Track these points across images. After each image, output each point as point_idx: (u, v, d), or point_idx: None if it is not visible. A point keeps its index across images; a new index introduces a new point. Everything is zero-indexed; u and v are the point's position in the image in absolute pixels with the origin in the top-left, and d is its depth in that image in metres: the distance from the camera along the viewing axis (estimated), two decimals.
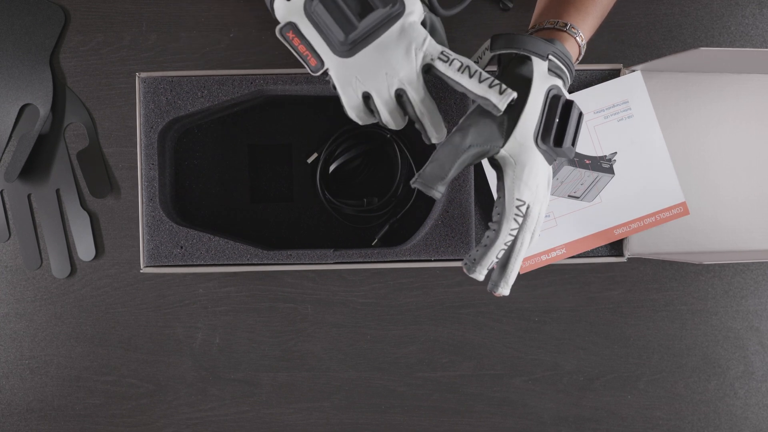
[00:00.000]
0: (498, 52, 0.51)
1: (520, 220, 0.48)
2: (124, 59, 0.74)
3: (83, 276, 0.74)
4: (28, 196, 0.74)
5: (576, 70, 0.68)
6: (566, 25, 0.52)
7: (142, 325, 0.74)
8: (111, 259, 0.74)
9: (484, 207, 0.68)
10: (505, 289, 0.50)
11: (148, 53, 0.74)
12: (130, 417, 0.74)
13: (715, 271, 0.75)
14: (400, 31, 0.47)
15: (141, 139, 0.65)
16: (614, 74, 0.67)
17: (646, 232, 0.69)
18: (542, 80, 0.49)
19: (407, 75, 0.47)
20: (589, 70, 0.68)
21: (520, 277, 0.74)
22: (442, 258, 0.66)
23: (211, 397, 0.74)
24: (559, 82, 0.50)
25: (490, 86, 0.46)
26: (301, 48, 0.47)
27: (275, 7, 0.48)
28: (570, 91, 0.68)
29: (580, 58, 0.55)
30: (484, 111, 0.49)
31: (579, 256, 0.68)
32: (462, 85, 0.47)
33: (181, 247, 0.65)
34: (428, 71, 0.49)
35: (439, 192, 0.48)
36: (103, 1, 0.74)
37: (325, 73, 0.48)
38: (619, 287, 0.74)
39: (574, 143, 0.49)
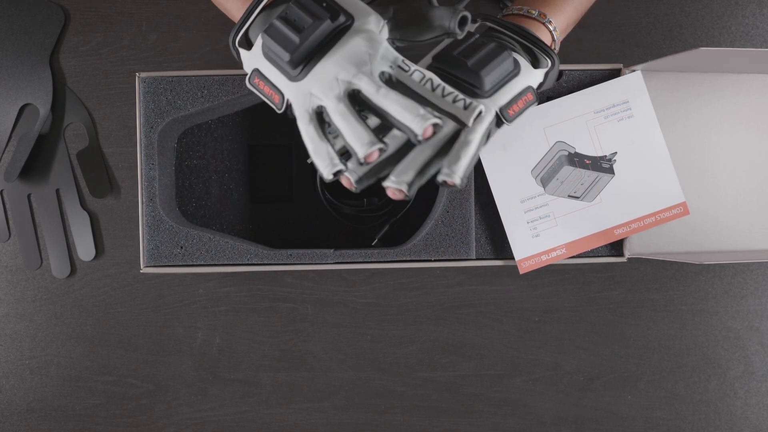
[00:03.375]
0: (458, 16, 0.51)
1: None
2: (124, 59, 0.74)
3: (83, 276, 0.74)
4: (28, 196, 0.74)
5: (576, 70, 0.68)
6: (523, 9, 0.53)
7: (142, 325, 0.74)
8: (111, 259, 0.74)
9: (484, 207, 0.68)
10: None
11: (148, 53, 0.74)
12: (130, 417, 0.74)
13: (715, 271, 0.75)
14: (351, 43, 0.45)
15: (141, 139, 0.65)
16: (614, 74, 0.67)
17: (647, 232, 0.69)
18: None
19: (364, 78, 0.45)
20: (589, 70, 0.68)
21: (520, 276, 0.74)
22: (442, 258, 0.66)
23: (211, 397, 0.74)
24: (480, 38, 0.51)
25: (455, 101, 0.45)
26: (266, 89, 0.47)
27: (242, 60, 0.48)
28: (569, 92, 0.67)
29: (553, 46, 0.55)
30: None
31: (579, 256, 0.68)
32: (425, 99, 0.45)
33: (181, 247, 0.65)
34: (387, 81, 0.46)
35: (412, 192, 0.51)
36: (102, 1, 0.74)
37: (289, 106, 0.47)
38: (619, 287, 0.74)
39: (464, 57, 0.50)
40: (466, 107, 0.45)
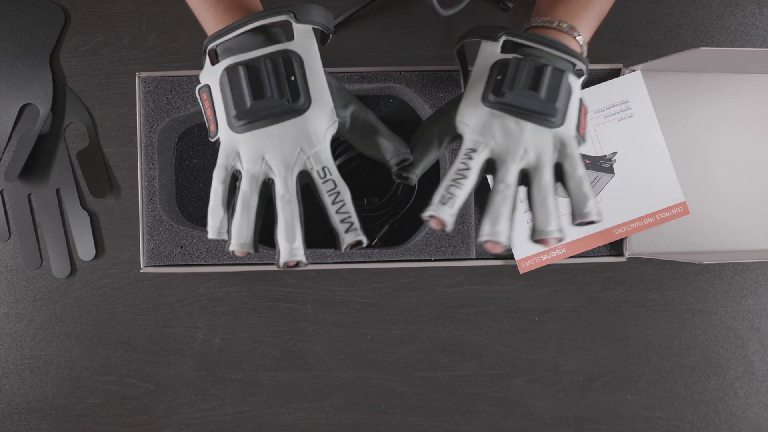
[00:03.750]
0: (457, 46, 0.54)
1: (466, 164, 0.47)
2: (124, 59, 0.74)
3: (83, 276, 0.74)
4: (28, 196, 0.74)
5: None
6: (554, 22, 0.51)
7: (142, 324, 0.74)
8: (111, 259, 0.74)
9: (484, 207, 0.68)
10: (446, 215, 0.47)
11: (149, 53, 0.74)
12: (131, 417, 0.74)
13: (715, 271, 0.75)
14: (294, 127, 0.45)
15: (141, 139, 0.65)
16: (614, 74, 0.67)
17: (646, 231, 0.69)
18: (487, 57, 0.49)
19: (282, 168, 0.46)
20: (589, 70, 0.68)
21: (520, 276, 0.74)
22: (442, 258, 0.66)
23: (212, 397, 0.74)
24: (523, 58, 0.49)
25: (342, 221, 0.46)
26: (209, 112, 0.47)
27: (204, 65, 0.48)
28: None
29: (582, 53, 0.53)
30: (447, 107, 0.50)
31: (579, 255, 0.68)
32: (324, 207, 0.47)
33: (182, 247, 0.65)
34: (303, 179, 0.47)
35: (414, 175, 0.50)
36: (103, 1, 0.74)
37: (219, 141, 0.47)
38: (619, 287, 0.74)
39: (529, 88, 0.46)
40: (347, 231, 0.46)
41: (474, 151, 0.47)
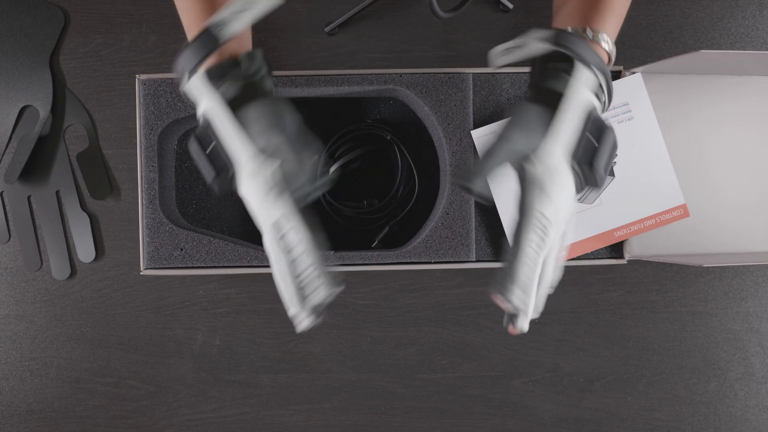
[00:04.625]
0: (539, 48, 0.45)
1: (541, 235, 0.43)
2: (124, 61, 0.74)
3: (83, 278, 0.74)
4: (28, 198, 0.74)
5: None
6: (594, 32, 0.45)
7: (142, 326, 0.74)
8: (111, 261, 0.74)
9: (484, 209, 0.68)
10: (524, 322, 0.44)
11: (148, 54, 0.74)
12: (131, 418, 0.74)
13: (715, 273, 0.75)
14: (246, 192, 0.43)
15: (141, 141, 0.65)
16: (615, 76, 0.67)
17: (647, 234, 0.69)
18: (581, 90, 0.43)
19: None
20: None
21: None
22: (442, 260, 0.66)
23: (212, 399, 0.74)
24: (595, 101, 0.44)
25: (298, 278, 0.43)
26: None
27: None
28: None
29: (611, 61, 0.49)
30: (526, 113, 0.44)
31: (579, 257, 0.68)
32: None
33: (182, 249, 0.65)
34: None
35: (475, 187, 0.45)
36: (103, 3, 0.74)
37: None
38: (619, 289, 0.74)
39: (606, 171, 0.44)
40: (304, 297, 0.43)
41: (546, 219, 0.43)
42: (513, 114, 0.45)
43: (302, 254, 0.42)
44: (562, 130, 0.43)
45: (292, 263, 0.42)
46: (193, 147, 0.43)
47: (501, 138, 0.44)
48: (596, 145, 0.43)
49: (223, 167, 0.42)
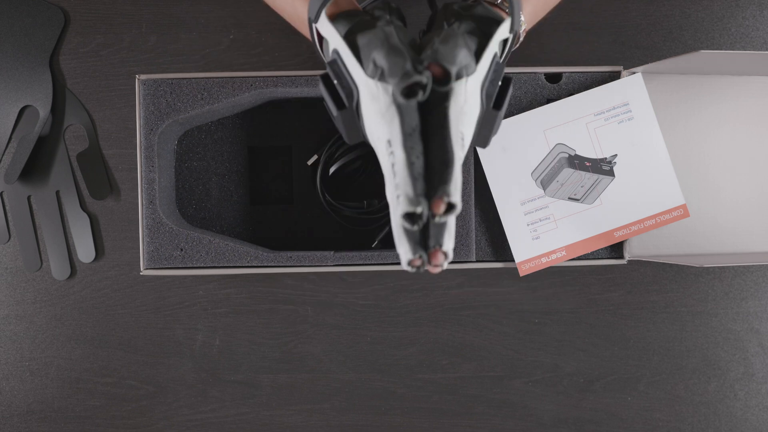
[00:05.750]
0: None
1: (462, 149, 0.45)
2: (124, 61, 0.74)
3: (83, 278, 0.74)
4: (28, 198, 0.74)
5: (576, 73, 0.68)
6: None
7: (142, 326, 0.74)
8: (111, 261, 0.74)
9: (484, 209, 0.68)
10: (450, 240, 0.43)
11: (148, 55, 0.74)
12: (131, 419, 0.74)
13: (715, 273, 0.75)
14: (367, 108, 0.45)
15: (141, 141, 0.65)
16: (614, 76, 0.67)
17: (647, 234, 0.69)
18: (502, 34, 0.47)
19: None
20: (590, 72, 0.67)
21: (520, 278, 0.74)
22: None
23: (211, 399, 0.74)
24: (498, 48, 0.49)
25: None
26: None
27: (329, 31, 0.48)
28: (569, 94, 0.67)
29: (517, 43, 0.54)
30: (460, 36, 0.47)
31: (579, 258, 0.68)
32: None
33: (181, 250, 0.65)
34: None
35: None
36: (102, 3, 0.74)
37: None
38: (619, 289, 0.74)
39: (502, 108, 0.47)
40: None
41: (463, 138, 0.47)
42: (456, 32, 0.47)
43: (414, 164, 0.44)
44: (485, 64, 0.47)
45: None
46: (326, 78, 0.47)
47: (455, 41, 0.46)
48: (498, 83, 0.47)
49: (350, 92, 0.46)
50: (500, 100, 0.48)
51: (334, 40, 0.47)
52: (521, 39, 0.57)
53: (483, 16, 0.49)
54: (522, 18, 0.54)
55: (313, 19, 0.48)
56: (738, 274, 0.75)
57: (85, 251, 0.74)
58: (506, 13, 0.52)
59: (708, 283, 0.75)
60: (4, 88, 0.73)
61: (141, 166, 0.65)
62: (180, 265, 0.65)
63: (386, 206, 0.71)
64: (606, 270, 0.74)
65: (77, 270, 0.74)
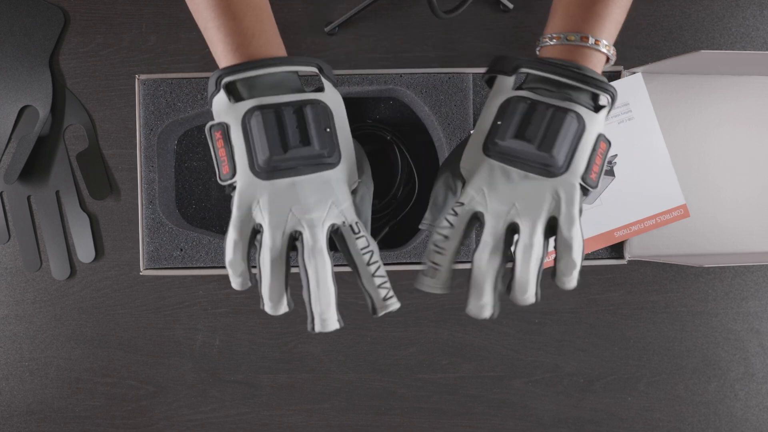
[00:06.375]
0: (485, 77, 0.48)
1: (451, 219, 0.44)
2: (124, 61, 0.74)
3: (83, 278, 0.74)
4: (28, 198, 0.74)
5: None
6: (575, 37, 0.45)
7: (142, 326, 0.74)
8: (111, 261, 0.74)
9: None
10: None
11: (148, 55, 0.74)
12: (131, 419, 0.74)
13: (715, 273, 0.75)
14: (325, 180, 0.43)
15: (141, 141, 0.65)
16: (615, 76, 0.67)
17: (647, 234, 0.69)
18: (498, 94, 0.45)
19: (314, 220, 0.42)
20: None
21: None
22: None
23: (211, 399, 0.74)
24: (529, 94, 0.44)
25: (380, 286, 0.43)
26: (222, 152, 0.43)
27: (214, 101, 0.43)
28: None
29: (611, 62, 0.47)
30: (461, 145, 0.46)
31: None
32: (356, 267, 0.44)
33: (181, 250, 0.65)
34: (334, 232, 0.44)
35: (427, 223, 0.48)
36: (102, 3, 0.74)
37: (232, 186, 0.43)
38: (619, 289, 0.74)
39: (517, 137, 0.43)
40: (385, 299, 0.43)
41: (461, 205, 0.44)
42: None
43: (377, 251, 0.45)
44: (476, 132, 0.45)
45: (372, 254, 0.45)
46: (314, 112, 0.43)
47: (440, 171, 0.46)
48: (498, 122, 0.45)
49: (333, 150, 0.43)
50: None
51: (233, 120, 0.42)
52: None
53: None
54: (611, 51, 0.47)
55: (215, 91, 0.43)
56: (738, 274, 0.75)
57: (84, 251, 0.74)
58: (584, 48, 0.45)
59: (708, 283, 0.75)
60: (4, 88, 0.73)
61: (141, 166, 0.65)
62: (180, 265, 0.65)
63: (386, 206, 0.71)
64: (606, 270, 0.74)
65: (77, 270, 0.74)
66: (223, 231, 0.72)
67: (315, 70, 0.45)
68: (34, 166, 0.73)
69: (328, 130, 0.43)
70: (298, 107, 0.42)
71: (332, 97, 0.45)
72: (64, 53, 0.74)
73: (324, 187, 0.43)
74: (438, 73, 0.66)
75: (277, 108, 0.42)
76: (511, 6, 0.74)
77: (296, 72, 0.45)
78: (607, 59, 0.47)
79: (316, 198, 0.43)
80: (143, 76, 0.65)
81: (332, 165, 0.43)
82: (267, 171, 0.42)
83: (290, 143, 0.42)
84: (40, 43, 0.73)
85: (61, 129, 0.74)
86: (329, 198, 0.43)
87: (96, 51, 0.74)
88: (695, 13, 0.75)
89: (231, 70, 0.43)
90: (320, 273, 0.42)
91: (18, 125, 0.73)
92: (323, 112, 0.43)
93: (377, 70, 0.66)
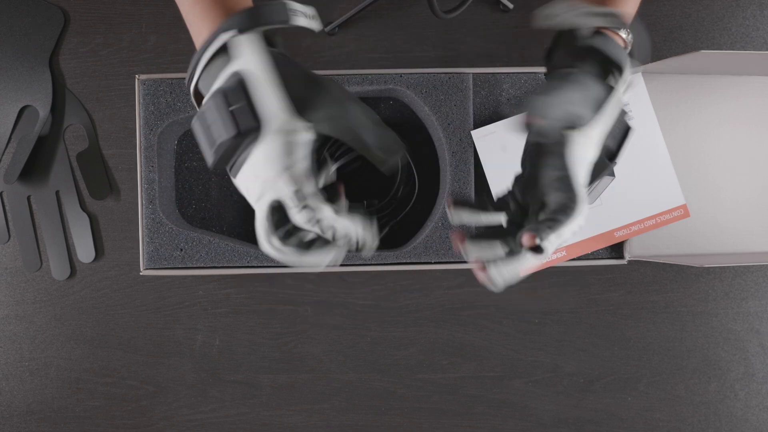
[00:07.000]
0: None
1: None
2: (124, 61, 0.74)
3: (83, 278, 0.74)
4: (28, 198, 0.74)
5: None
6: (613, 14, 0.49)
7: (142, 326, 0.74)
8: (111, 261, 0.74)
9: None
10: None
11: (148, 54, 0.74)
12: (130, 419, 0.74)
13: (715, 273, 0.75)
14: (258, 160, 0.41)
15: (141, 141, 0.65)
16: None
17: (647, 234, 0.69)
18: (622, 89, 0.47)
19: (286, 193, 0.42)
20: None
21: (520, 278, 0.73)
22: (443, 260, 0.65)
23: (211, 399, 0.74)
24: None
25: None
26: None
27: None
28: None
29: (627, 47, 0.51)
30: (590, 87, 0.47)
31: (579, 258, 0.68)
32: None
33: (181, 250, 0.65)
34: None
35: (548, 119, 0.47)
36: (102, 3, 0.74)
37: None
38: (619, 289, 0.74)
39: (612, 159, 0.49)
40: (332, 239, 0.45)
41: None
42: (574, 80, 0.47)
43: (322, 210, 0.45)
44: (608, 114, 0.47)
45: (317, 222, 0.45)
46: (215, 101, 0.41)
47: (559, 94, 0.46)
48: (618, 139, 0.49)
49: (251, 126, 0.41)
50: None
51: (254, 61, 0.41)
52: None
53: (606, 59, 0.48)
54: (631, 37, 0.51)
55: (248, 28, 0.41)
56: (738, 274, 0.75)
57: (84, 251, 0.74)
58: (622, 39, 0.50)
59: (708, 283, 0.75)
60: (4, 88, 0.73)
61: (141, 166, 0.65)
62: (180, 265, 0.65)
63: (386, 206, 0.71)
64: (606, 270, 0.74)
65: (77, 270, 0.74)
66: (222, 231, 0.72)
67: (226, 39, 0.41)
68: (34, 166, 0.73)
69: (233, 107, 0.41)
70: (207, 105, 0.42)
71: (246, 60, 0.41)
72: (64, 53, 0.74)
73: (264, 158, 0.41)
74: (438, 73, 0.66)
75: (197, 116, 0.42)
76: (511, 6, 0.74)
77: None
78: (625, 44, 0.50)
79: (265, 176, 0.41)
80: (143, 76, 0.65)
81: (254, 135, 0.41)
82: (229, 172, 0.43)
83: (209, 147, 0.42)
84: (40, 43, 0.73)
85: (61, 129, 0.74)
86: (276, 165, 0.41)
87: (96, 51, 0.74)
88: (695, 13, 0.75)
89: (187, 84, 0.44)
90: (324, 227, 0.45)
91: (18, 125, 0.73)
92: (232, 90, 0.41)
93: (377, 70, 0.66)
